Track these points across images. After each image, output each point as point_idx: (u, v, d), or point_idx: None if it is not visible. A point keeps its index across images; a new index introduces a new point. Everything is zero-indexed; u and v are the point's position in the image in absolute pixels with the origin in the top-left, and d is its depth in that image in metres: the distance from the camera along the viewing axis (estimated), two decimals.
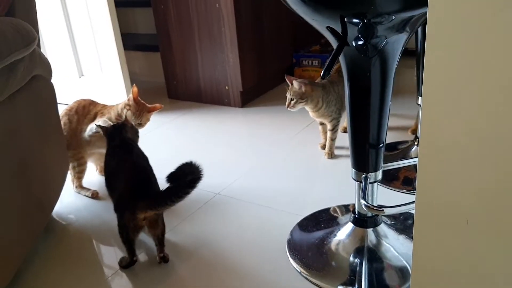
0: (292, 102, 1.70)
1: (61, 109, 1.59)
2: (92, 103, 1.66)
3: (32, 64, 1.30)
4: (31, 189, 1.26)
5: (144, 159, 1.36)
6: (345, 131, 1.94)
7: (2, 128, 1.15)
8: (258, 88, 2.54)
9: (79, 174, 1.68)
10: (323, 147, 1.87)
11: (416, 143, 1.72)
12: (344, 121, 1.91)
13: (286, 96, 1.72)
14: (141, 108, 1.59)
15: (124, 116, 1.57)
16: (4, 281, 1.14)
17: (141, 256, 1.32)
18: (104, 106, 1.66)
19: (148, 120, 1.64)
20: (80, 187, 1.69)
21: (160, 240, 1.29)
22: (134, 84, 1.64)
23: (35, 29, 1.34)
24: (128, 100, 1.60)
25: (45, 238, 1.44)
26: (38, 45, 1.37)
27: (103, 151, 1.46)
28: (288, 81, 1.71)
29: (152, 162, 1.81)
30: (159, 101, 1.72)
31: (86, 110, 1.63)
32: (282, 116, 2.26)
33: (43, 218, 1.37)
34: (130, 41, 2.94)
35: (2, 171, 1.13)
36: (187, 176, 1.17)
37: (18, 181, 1.20)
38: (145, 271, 1.27)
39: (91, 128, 1.56)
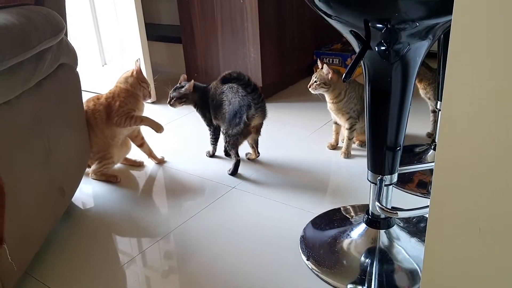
0: (315, 84, 1.73)
1: (85, 97, 1.63)
2: (90, 100, 1.71)
3: (60, 53, 1.33)
4: (53, 174, 1.30)
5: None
6: (361, 145, 1.90)
7: (29, 114, 1.19)
8: (278, 84, 2.55)
9: (106, 169, 1.73)
10: (332, 147, 1.88)
11: (432, 146, 1.72)
12: (360, 135, 1.88)
13: (308, 90, 1.77)
14: None
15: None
16: (26, 259, 1.19)
17: (154, 248, 1.36)
18: (99, 98, 1.72)
19: None
20: (100, 173, 1.73)
21: (256, 144, 1.82)
22: (138, 58, 1.76)
23: (63, 18, 1.37)
24: (136, 72, 1.73)
25: (64, 223, 1.49)
26: (65, 33, 1.41)
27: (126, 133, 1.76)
28: (319, 63, 1.74)
29: (168, 152, 1.93)
30: None
31: (97, 108, 1.68)
32: (300, 113, 2.28)
33: (64, 203, 1.41)
34: (153, 32, 2.96)
35: (28, 155, 1.17)
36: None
37: (42, 165, 1.24)
38: (158, 261, 1.30)
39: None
